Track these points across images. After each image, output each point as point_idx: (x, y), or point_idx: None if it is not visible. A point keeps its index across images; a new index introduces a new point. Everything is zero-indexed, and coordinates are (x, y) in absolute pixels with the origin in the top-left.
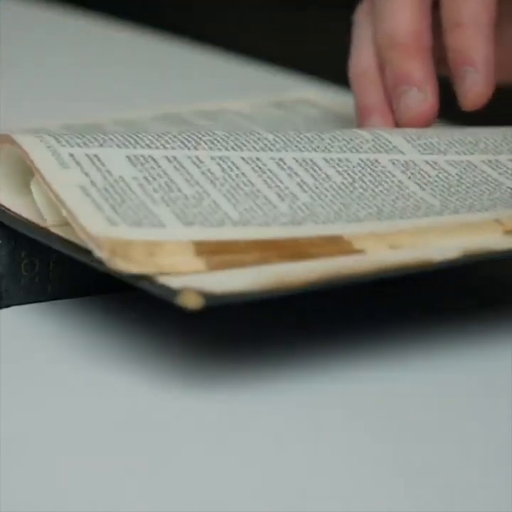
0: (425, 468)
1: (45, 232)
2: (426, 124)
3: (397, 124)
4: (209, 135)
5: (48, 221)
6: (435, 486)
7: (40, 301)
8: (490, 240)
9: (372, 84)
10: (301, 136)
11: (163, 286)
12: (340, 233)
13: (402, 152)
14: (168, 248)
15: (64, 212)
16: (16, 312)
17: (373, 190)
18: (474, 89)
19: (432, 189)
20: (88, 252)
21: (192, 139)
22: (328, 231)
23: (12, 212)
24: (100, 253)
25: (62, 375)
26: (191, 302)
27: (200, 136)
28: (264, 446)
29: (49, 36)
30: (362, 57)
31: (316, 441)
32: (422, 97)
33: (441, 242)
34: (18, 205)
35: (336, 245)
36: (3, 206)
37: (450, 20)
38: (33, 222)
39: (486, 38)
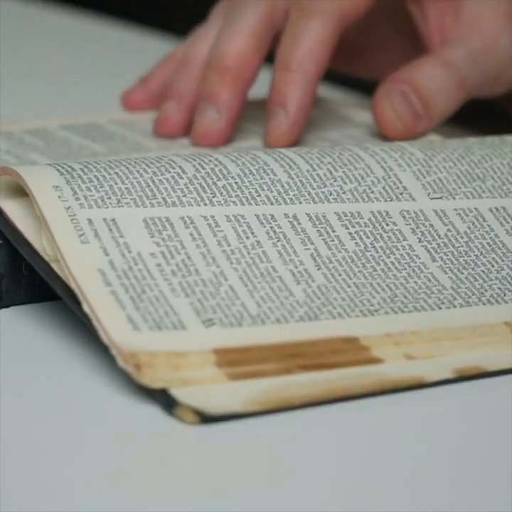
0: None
1: (48, 268)
2: (210, 144)
3: (191, 136)
4: (223, 177)
5: (51, 256)
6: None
7: (41, 302)
8: (502, 356)
9: (189, 74)
10: (314, 174)
11: (161, 394)
12: (357, 334)
13: (412, 197)
14: (191, 360)
15: (85, 307)
16: (16, 312)
17: (385, 262)
18: (279, 130)
19: (441, 258)
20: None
21: (207, 184)
22: (345, 330)
23: (17, 230)
24: (124, 365)
25: (62, 375)
26: (188, 418)
27: (214, 179)
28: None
29: (49, 36)
30: (195, 47)
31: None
32: (217, 119)
33: (455, 355)
34: (19, 217)
35: (354, 352)
36: (7, 216)
37: (281, 61)
38: (37, 252)
39: (306, 87)
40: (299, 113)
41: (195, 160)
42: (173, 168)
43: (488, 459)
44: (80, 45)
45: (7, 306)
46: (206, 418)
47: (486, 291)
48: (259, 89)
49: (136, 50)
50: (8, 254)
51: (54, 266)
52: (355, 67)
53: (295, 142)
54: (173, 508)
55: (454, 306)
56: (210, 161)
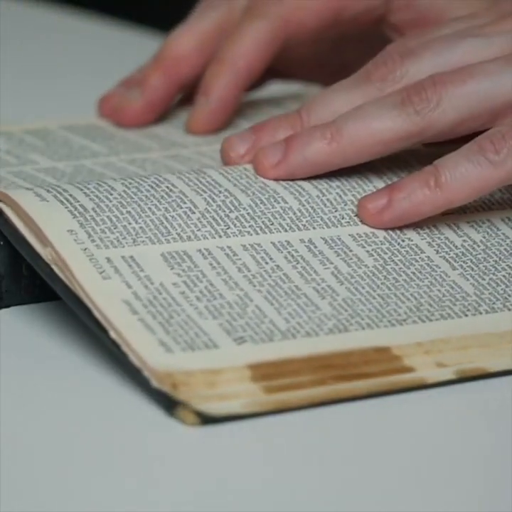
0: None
1: (48, 269)
2: (123, 121)
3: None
4: (235, 209)
5: (53, 258)
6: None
7: (41, 302)
8: None
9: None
10: (324, 200)
11: (162, 394)
12: (388, 344)
13: None
14: (226, 377)
15: (113, 334)
16: (15, 312)
17: (406, 274)
18: (197, 116)
19: (461, 266)
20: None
21: (219, 217)
22: (375, 340)
23: (17, 231)
24: (159, 386)
25: (62, 375)
26: (189, 420)
27: (227, 212)
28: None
29: (49, 36)
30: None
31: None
32: (136, 98)
33: (484, 362)
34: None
35: (387, 362)
36: (7, 217)
37: (216, 55)
38: (37, 253)
39: (232, 79)
40: (220, 102)
41: (205, 192)
42: (185, 202)
43: (489, 459)
44: (79, 45)
45: (7, 307)
46: (207, 419)
47: (509, 296)
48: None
49: (136, 50)
50: (8, 255)
51: (54, 267)
52: None
53: (213, 131)
54: (173, 508)
55: (480, 313)
56: (220, 192)
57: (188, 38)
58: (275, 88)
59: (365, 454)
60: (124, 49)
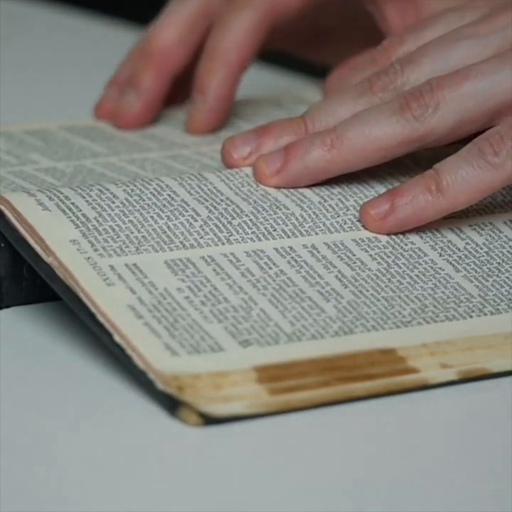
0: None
1: (49, 269)
2: (125, 125)
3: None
4: (237, 216)
5: (56, 266)
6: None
7: (41, 303)
8: None
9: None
10: (326, 205)
11: (164, 395)
12: (393, 346)
13: None
14: (232, 379)
15: (117, 338)
16: (16, 312)
17: (410, 276)
18: (196, 116)
19: (465, 269)
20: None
21: (222, 224)
22: (381, 342)
23: (18, 232)
24: (164, 388)
25: (62, 375)
26: (191, 420)
27: (229, 219)
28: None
29: (49, 36)
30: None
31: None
32: (134, 102)
33: (489, 363)
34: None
35: (392, 363)
36: (8, 218)
37: (206, 49)
38: (38, 254)
39: (226, 75)
40: (217, 100)
41: (207, 201)
42: (187, 210)
43: (490, 459)
44: (79, 45)
45: (7, 307)
46: (210, 420)
47: None
48: (254, 89)
49: None
50: (9, 256)
51: (56, 270)
52: (321, 54)
53: (214, 129)
54: (175, 508)
55: (484, 314)
56: (221, 201)
57: (171, 28)
58: (275, 88)
59: (369, 454)
60: (124, 49)
